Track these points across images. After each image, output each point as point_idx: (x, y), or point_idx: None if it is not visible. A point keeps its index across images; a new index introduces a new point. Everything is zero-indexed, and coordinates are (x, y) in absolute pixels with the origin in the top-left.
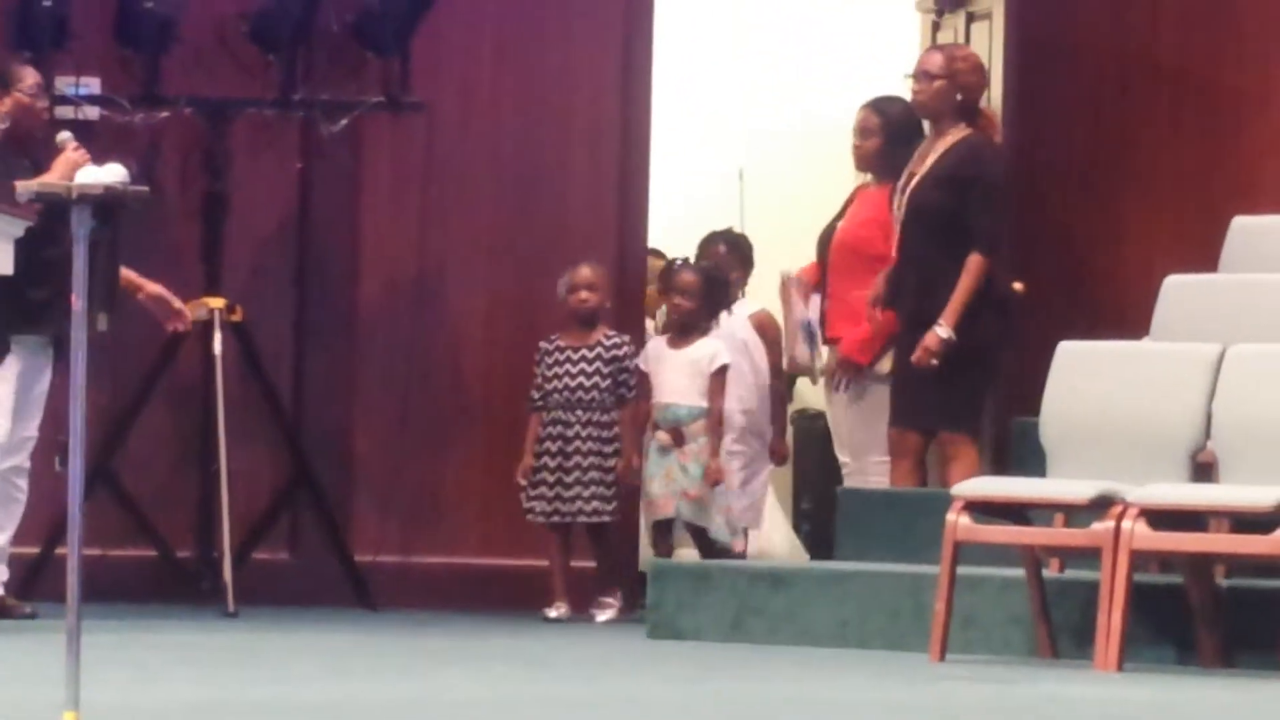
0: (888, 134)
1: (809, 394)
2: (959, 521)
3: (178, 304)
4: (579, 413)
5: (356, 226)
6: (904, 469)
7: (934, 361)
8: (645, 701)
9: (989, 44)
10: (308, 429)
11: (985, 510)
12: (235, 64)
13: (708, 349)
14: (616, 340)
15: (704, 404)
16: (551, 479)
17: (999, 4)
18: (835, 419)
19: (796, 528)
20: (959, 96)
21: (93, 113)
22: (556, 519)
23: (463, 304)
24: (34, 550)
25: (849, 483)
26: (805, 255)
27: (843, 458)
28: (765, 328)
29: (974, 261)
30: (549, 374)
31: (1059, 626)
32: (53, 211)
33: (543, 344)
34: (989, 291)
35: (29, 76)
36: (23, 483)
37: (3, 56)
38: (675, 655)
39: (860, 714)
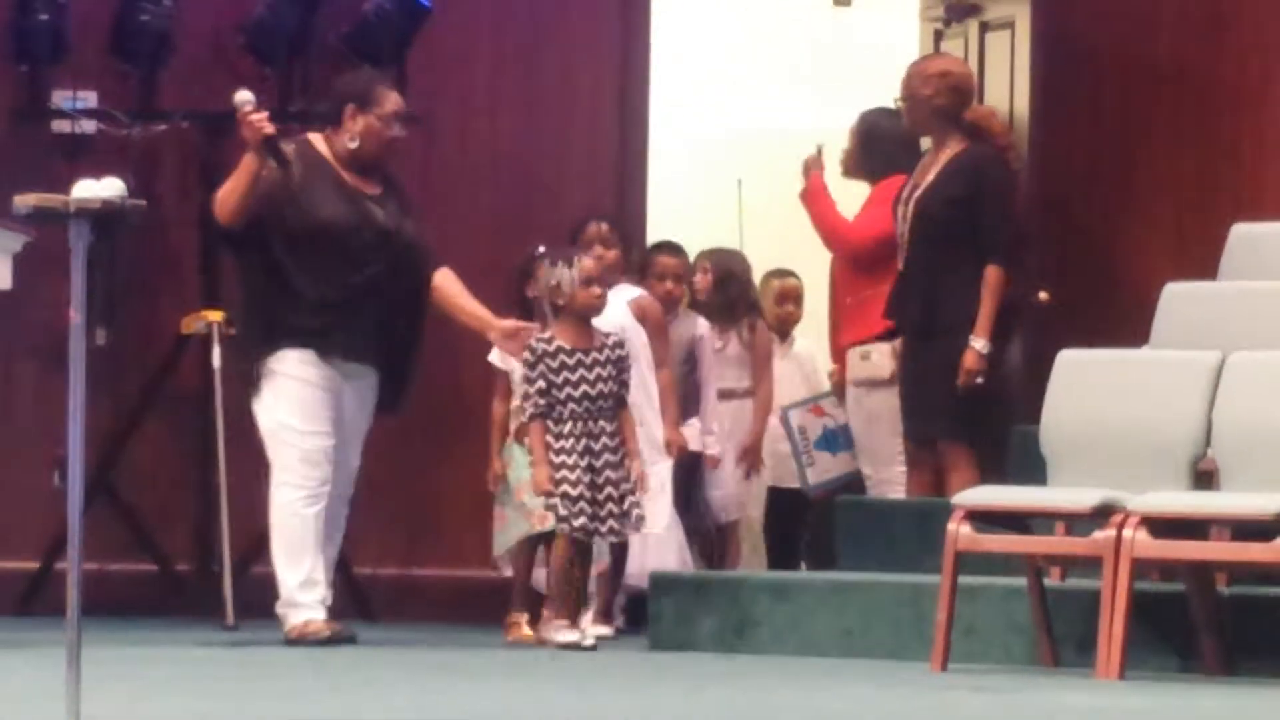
0: (859, 140)
1: None
2: (960, 531)
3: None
4: (603, 423)
5: None
6: (919, 479)
7: (979, 380)
8: (647, 713)
9: (1011, 53)
10: None
11: (986, 519)
12: (232, 76)
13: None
14: (617, 339)
15: None
16: (583, 493)
17: (1023, 13)
18: (856, 431)
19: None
20: (934, 111)
21: (90, 126)
22: (598, 537)
23: None
24: (34, 565)
25: (873, 494)
26: (803, 264)
27: (865, 470)
28: (646, 313)
29: (992, 274)
30: (557, 379)
31: (1060, 635)
32: (351, 241)
33: (538, 344)
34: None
35: (389, 103)
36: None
37: (368, 75)
38: (677, 667)
39: None
